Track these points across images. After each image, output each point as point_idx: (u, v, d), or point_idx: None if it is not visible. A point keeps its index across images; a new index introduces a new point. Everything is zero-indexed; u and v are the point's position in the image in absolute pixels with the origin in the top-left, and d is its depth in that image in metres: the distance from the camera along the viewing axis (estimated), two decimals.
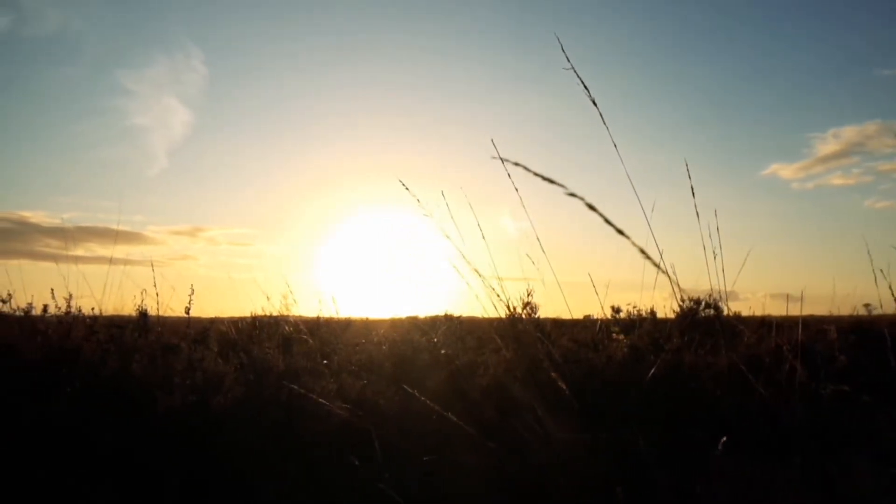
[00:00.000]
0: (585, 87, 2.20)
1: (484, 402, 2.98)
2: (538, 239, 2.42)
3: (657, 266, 0.82)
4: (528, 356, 3.29)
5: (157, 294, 3.60)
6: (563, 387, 1.93)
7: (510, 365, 3.38)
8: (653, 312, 5.20)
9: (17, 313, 3.82)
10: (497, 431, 2.65)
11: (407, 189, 2.29)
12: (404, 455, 2.82)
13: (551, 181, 0.86)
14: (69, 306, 3.44)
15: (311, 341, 3.67)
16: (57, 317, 3.51)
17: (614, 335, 4.03)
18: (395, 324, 6.08)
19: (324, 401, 2.92)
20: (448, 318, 4.93)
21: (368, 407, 3.30)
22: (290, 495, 2.61)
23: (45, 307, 3.76)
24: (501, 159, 0.92)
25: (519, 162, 0.90)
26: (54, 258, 3.92)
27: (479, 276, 2.35)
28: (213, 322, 4.50)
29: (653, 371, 3.06)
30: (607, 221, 0.82)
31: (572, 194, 0.85)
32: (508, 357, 3.28)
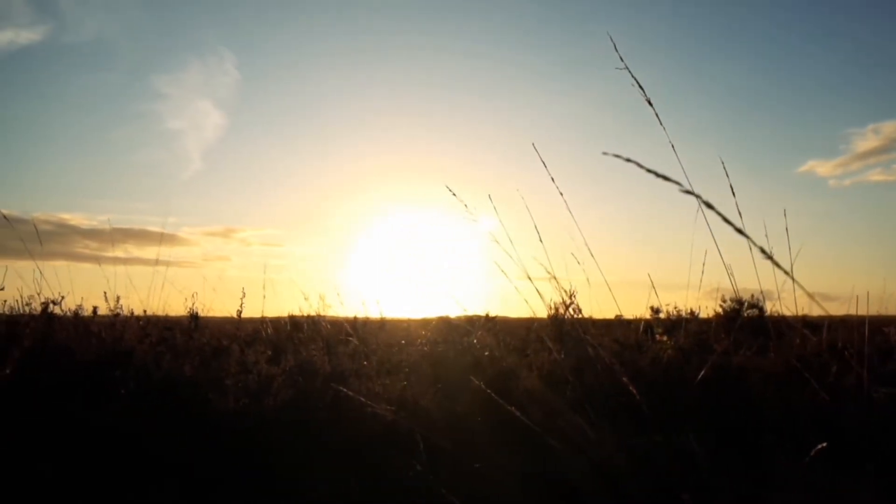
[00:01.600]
0: (640, 87, 2.17)
1: (531, 405, 2.96)
2: (585, 241, 2.39)
3: (779, 266, 0.80)
4: (574, 357, 3.27)
5: (225, 291, 3.65)
6: (634, 391, 1.91)
7: (555, 366, 3.36)
8: (692, 313, 5.13)
9: (67, 314, 3.91)
10: (548, 433, 2.63)
11: (454, 195, 2.28)
12: (450, 457, 2.82)
13: (666, 178, 0.84)
14: (120, 308, 3.51)
15: (356, 342, 3.69)
16: (107, 317, 3.58)
17: (657, 336, 3.98)
18: (427, 324, 6.08)
19: (370, 402, 2.93)
20: (487, 319, 4.92)
21: (412, 409, 3.30)
22: (341, 496, 2.63)
23: (95, 308, 3.85)
24: (614, 155, 0.90)
25: (631, 158, 0.89)
26: (95, 259, 4.01)
27: (529, 279, 2.33)
28: (261, 323, 4.55)
29: (703, 372, 3.01)
30: (726, 220, 0.81)
31: (688, 191, 0.84)
32: (556, 358, 3.26)
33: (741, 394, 3.10)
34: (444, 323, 5.60)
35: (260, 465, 2.73)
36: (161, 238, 4.10)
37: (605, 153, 0.93)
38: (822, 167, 37.03)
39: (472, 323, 5.04)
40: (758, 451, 2.50)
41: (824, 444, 1.74)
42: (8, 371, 2.14)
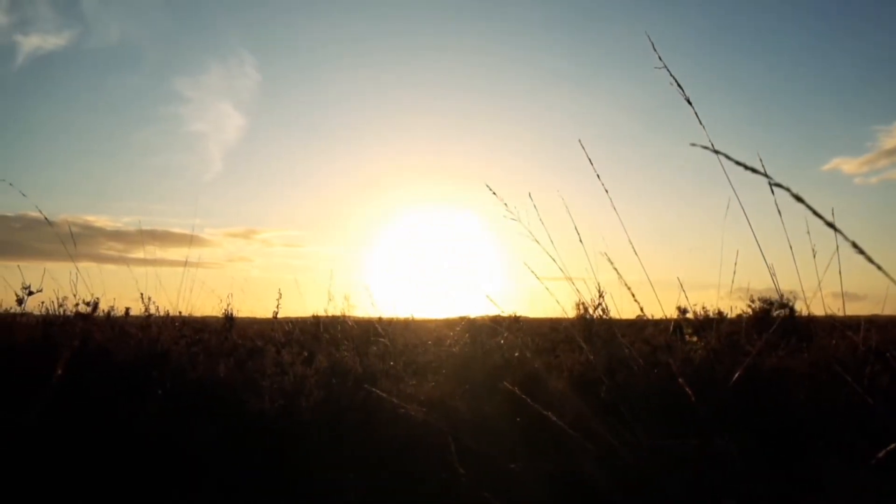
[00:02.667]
0: (680, 86, 2.15)
1: (563, 406, 2.95)
2: (630, 241, 2.37)
3: (871, 261, 0.79)
4: (605, 357, 3.25)
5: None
6: (689, 392, 1.89)
7: (586, 367, 3.34)
8: (720, 313, 5.07)
9: (100, 315, 3.97)
10: (581, 435, 2.62)
11: (494, 193, 2.28)
12: (484, 458, 2.81)
13: (754, 170, 0.84)
14: (156, 309, 3.56)
15: (386, 342, 3.70)
16: (139, 318, 3.63)
17: (687, 336, 3.94)
18: (451, 324, 6.08)
19: (402, 403, 2.94)
20: (514, 319, 4.90)
21: (443, 409, 3.31)
22: (376, 495, 2.64)
23: (128, 309, 3.91)
24: (707, 148, 0.90)
25: (719, 150, 0.89)
26: (121, 261, 4.07)
27: (571, 280, 2.33)
28: (287, 324, 4.59)
29: (738, 374, 2.97)
30: (815, 213, 0.80)
31: (777, 184, 0.83)
32: (587, 359, 3.24)
33: (777, 395, 3.06)
34: (469, 323, 5.59)
35: (294, 465, 2.76)
36: (191, 240, 4.16)
37: (692, 144, 0.92)
38: (848, 165, 36.43)
39: (498, 323, 5.02)
40: (797, 454, 2.46)
41: (889, 449, 1.70)
42: (60, 372, 2.18)
